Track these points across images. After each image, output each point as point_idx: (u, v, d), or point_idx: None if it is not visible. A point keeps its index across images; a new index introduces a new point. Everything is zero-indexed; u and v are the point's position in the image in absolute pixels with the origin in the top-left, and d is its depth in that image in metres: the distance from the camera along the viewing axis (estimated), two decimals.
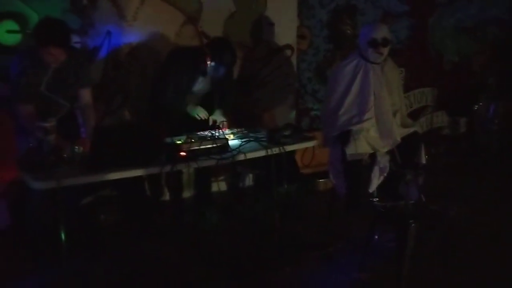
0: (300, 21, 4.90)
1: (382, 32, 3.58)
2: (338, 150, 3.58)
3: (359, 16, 5.20)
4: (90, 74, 3.51)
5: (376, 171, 3.56)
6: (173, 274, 3.16)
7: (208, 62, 3.65)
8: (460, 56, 6.12)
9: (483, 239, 3.63)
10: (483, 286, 3.08)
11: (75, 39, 3.70)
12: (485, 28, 6.17)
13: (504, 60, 6.13)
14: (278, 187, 3.76)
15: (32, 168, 2.83)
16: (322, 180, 4.65)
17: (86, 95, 3.42)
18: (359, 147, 3.47)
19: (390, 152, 3.55)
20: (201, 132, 3.36)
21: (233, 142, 3.40)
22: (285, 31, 4.79)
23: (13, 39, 3.60)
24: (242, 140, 3.44)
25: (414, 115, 5.70)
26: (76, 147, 2.95)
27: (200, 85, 3.81)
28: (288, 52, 4.85)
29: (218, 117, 3.84)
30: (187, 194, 4.30)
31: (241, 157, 3.22)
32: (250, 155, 3.26)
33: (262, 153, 3.32)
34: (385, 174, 3.56)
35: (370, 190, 3.56)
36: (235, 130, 3.67)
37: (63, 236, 2.81)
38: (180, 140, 3.11)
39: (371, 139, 3.53)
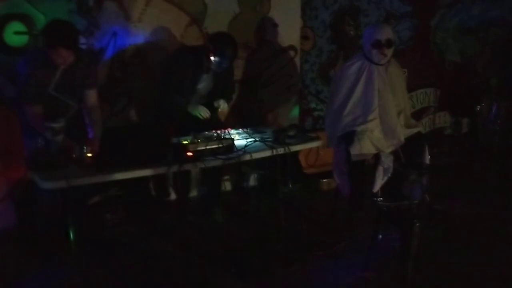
0: (304, 22, 4.93)
1: (386, 33, 3.61)
2: (342, 150, 3.61)
3: (362, 17, 5.23)
4: (96, 75, 3.54)
5: (380, 171, 3.59)
6: (179, 273, 3.19)
7: (212, 58, 3.68)
8: (463, 56, 6.15)
9: (486, 238, 3.66)
10: (486, 285, 3.11)
11: (81, 40, 3.73)
12: (488, 29, 6.19)
13: (506, 60, 6.14)
14: (282, 187, 3.79)
15: (41, 167, 2.87)
16: (326, 180, 4.68)
17: (92, 96, 3.44)
18: (364, 147, 3.50)
19: (394, 153, 3.57)
20: (207, 132, 3.38)
21: (238, 142, 3.43)
22: (289, 32, 4.81)
23: (20, 40, 3.63)
24: (248, 141, 3.47)
25: (417, 115, 5.73)
26: (85, 147, 2.98)
27: (204, 82, 3.84)
28: (292, 53, 4.88)
29: (222, 105, 3.88)
30: (192, 193, 4.33)
31: (247, 157, 3.25)
32: (255, 155, 3.29)
33: (267, 153, 3.35)
34: (389, 175, 3.59)
35: (374, 190, 3.59)
36: (240, 130, 3.70)
37: (71, 235, 2.85)
38: (186, 140, 3.14)
39: (376, 139, 3.55)
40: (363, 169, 3.57)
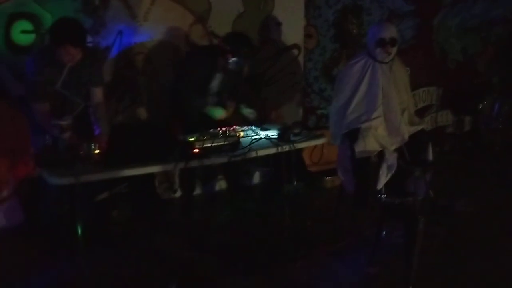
0: (307, 21, 4.96)
1: (390, 31, 3.63)
2: (347, 147, 3.63)
3: (365, 16, 5.26)
4: (102, 73, 3.57)
5: (384, 169, 3.60)
6: (184, 269, 3.20)
7: (229, 58, 3.71)
8: (465, 55, 6.18)
9: (489, 234, 3.68)
10: (490, 280, 3.13)
11: (87, 39, 3.77)
12: (490, 28, 6.22)
13: (508, 59, 6.18)
14: (287, 184, 3.82)
15: (50, 164, 2.90)
16: (329, 177, 4.71)
17: (98, 93, 3.47)
18: (368, 144, 3.52)
19: (398, 150, 3.60)
20: (213, 130, 3.41)
21: (244, 139, 3.46)
22: (293, 30, 4.84)
23: (27, 39, 3.66)
24: (253, 138, 3.50)
25: (419, 114, 5.75)
26: (92, 144, 3.01)
27: (217, 82, 3.87)
28: (295, 51, 4.90)
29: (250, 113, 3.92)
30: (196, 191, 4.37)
31: (253, 154, 3.28)
32: (261, 153, 3.32)
33: (272, 150, 3.38)
34: (393, 172, 3.61)
35: (378, 187, 3.61)
36: (245, 128, 3.72)
37: (79, 231, 2.88)
38: (193, 138, 3.17)
39: (380, 137, 3.58)
40: (368, 166, 3.59)
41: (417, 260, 2.96)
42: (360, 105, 3.66)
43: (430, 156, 3.72)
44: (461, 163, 5.55)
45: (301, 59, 4.98)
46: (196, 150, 3.05)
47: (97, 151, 3.03)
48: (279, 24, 4.75)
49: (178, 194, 4.28)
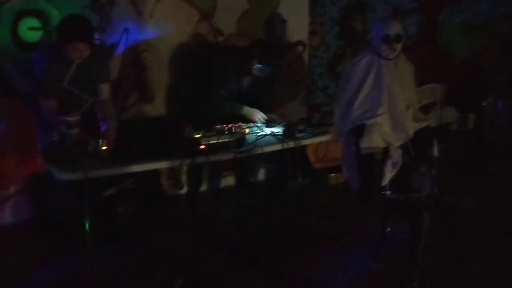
0: (312, 18, 4.97)
1: (395, 28, 3.64)
2: (352, 144, 3.64)
3: (369, 13, 5.27)
4: (109, 70, 3.60)
5: (389, 165, 3.61)
6: (189, 265, 3.23)
7: (254, 64, 3.75)
8: (469, 52, 6.18)
9: (493, 231, 3.70)
10: (494, 277, 3.15)
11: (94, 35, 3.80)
12: (494, 25, 6.21)
13: None
14: (292, 180, 3.85)
15: (58, 160, 2.93)
16: (334, 174, 4.73)
17: (105, 89, 3.50)
18: (373, 140, 3.53)
19: (403, 146, 3.61)
20: (219, 126, 3.43)
21: (249, 136, 3.49)
22: (297, 28, 4.86)
23: (34, 36, 3.69)
24: (258, 134, 3.52)
25: (423, 110, 5.75)
26: (100, 140, 3.04)
27: (241, 84, 3.92)
28: (300, 48, 4.92)
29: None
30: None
31: (258, 150, 3.30)
32: (266, 149, 3.35)
33: (278, 147, 3.41)
34: (398, 168, 3.63)
35: (383, 184, 3.62)
36: (251, 125, 3.75)
37: (87, 226, 2.91)
38: (199, 134, 3.19)
39: (385, 133, 3.59)
40: (373, 162, 3.60)
41: (421, 256, 2.98)
42: (365, 101, 3.67)
43: (436, 153, 3.73)
44: (464, 160, 5.55)
45: (305, 56, 4.99)
46: (202, 147, 3.08)
47: (104, 147, 3.06)
48: (284, 21, 4.77)
49: (184, 190, 4.31)
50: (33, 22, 3.68)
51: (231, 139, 3.23)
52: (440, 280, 3.07)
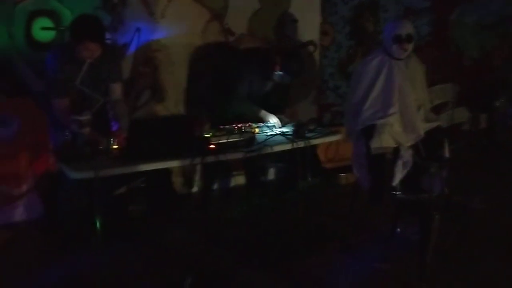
0: (323, 18, 4.97)
1: (406, 28, 3.63)
2: (362, 144, 3.64)
3: (381, 13, 5.25)
4: (121, 69, 3.62)
5: (399, 165, 3.60)
6: (199, 264, 3.25)
7: (276, 70, 3.76)
8: (481, 52, 6.13)
9: (502, 233, 3.67)
10: (504, 278, 3.12)
11: (106, 35, 3.82)
12: (507, 24, 6.16)
13: None
14: (301, 180, 3.85)
15: (70, 159, 2.96)
16: (344, 174, 4.72)
17: (117, 89, 3.52)
18: (384, 141, 3.53)
19: (414, 146, 3.60)
20: (229, 126, 3.44)
21: (259, 135, 3.49)
22: (308, 27, 4.86)
23: (47, 36, 3.73)
24: (268, 134, 3.53)
25: (435, 111, 5.72)
26: (111, 139, 3.06)
27: (264, 89, 3.94)
28: (311, 48, 4.92)
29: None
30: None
31: (267, 150, 3.31)
32: (276, 148, 3.35)
33: (287, 146, 3.41)
34: (408, 168, 3.62)
35: (393, 184, 3.61)
36: (261, 124, 3.75)
37: (98, 225, 2.93)
38: (209, 133, 3.20)
39: (395, 133, 3.58)
40: (383, 162, 3.59)
41: (431, 256, 2.97)
42: (376, 101, 3.66)
43: (446, 153, 3.70)
44: (476, 160, 5.51)
45: (316, 56, 4.98)
46: (212, 146, 3.09)
47: (115, 146, 3.08)
48: (295, 21, 4.77)
49: (195, 189, 4.33)
50: (46, 22, 3.72)
51: (241, 139, 3.24)
52: (450, 281, 3.06)
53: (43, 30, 3.72)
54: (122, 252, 3.34)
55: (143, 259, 3.30)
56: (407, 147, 3.59)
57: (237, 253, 3.39)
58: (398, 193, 3.53)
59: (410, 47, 3.63)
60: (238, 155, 3.23)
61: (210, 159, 3.15)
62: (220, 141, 3.15)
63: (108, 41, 3.85)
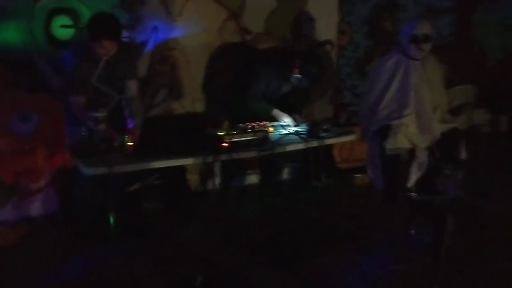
0: (341, 17, 4.94)
1: (424, 28, 3.60)
2: (377, 144, 3.62)
3: (400, 12, 5.19)
4: (136, 67, 3.66)
5: (414, 166, 3.58)
6: (211, 261, 3.26)
7: (294, 73, 3.76)
8: (505, 52, 6.01)
9: None
10: None
11: (123, 34, 3.87)
12: None
13: None
14: (315, 180, 3.84)
15: (84, 155, 3.01)
16: (359, 175, 4.69)
17: (132, 86, 3.56)
18: (398, 141, 3.51)
19: (429, 147, 3.57)
20: (243, 124, 3.45)
21: (273, 134, 3.50)
22: (326, 26, 4.83)
23: (66, 33, 3.78)
24: (282, 133, 3.53)
25: (454, 112, 5.64)
26: (125, 136, 3.10)
27: (281, 90, 3.96)
28: (328, 47, 4.89)
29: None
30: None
31: (281, 149, 3.31)
32: (289, 148, 3.35)
33: (301, 146, 3.40)
34: (424, 170, 3.58)
35: (408, 185, 3.59)
36: (275, 123, 3.75)
37: (111, 220, 2.97)
38: (222, 132, 3.22)
39: (411, 134, 3.55)
40: (398, 163, 3.57)
41: (444, 259, 2.94)
42: (391, 101, 3.64)
43: (463, 155, 3.66)
44: (495, 162, 5.42)
45: (333, 55, 4.96)
46: (225, 144, 3.10)
47: (130, 143, 3.12)
48: (312, 20, 4.75)
49: (210, 186, 4.36)
50: (65, 20, 3.77)
51: (254, 138, 3.25)
52: (463, 284, 3.02)
53: (62, 28, 3.77)
54: (135, 248, 3.37)
55: (156, 256, 3.32)
56: (423, 148, 3.57)
57: (249, 251, 3.40)
58: (412, 194, 3.51)
59: (427, 47, 3.60)
60: (251, 154, 3.23)
61: (223, 157, 3.17)
62: (233, 140, 3.16)
63: (126, 39, 3.90)
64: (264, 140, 3.29)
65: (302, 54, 3.90)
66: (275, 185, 4.31)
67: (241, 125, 3.45)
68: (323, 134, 3.52)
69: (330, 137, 3.57)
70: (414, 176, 3.58)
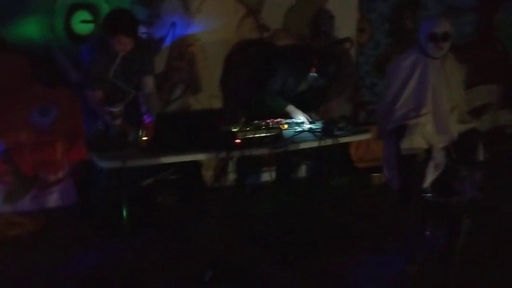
0: (361, 15, 4.89)
1: (443, 26, 3.54)
2: (393, 144, 3.58)
3: (421, 11, 5.12)
4: (153, 63, 3.68)
5: (431, 167, 3.53)
6: (222, 256, 3.29)
7: (311, 72, 3.74)
8: None
9: None
10: None
11: (142, 29, 3.90)
12: None
13: None
14: (330, 178, 3.82)
15: (100, 149, 3.05)
16: (377, 174, 4.64)
17: (149, 82, 3.59)
18: (415, 141, 3.47)
19: (446, 148, 3.51)
20: (257, 121, 3.45)
21: (287, 132, 3.49)
22: (345, 24, 4.79)
23: (86, 28, 3.84)
24: (296, 130, 3.52)
25: (477, 112, 5.54)
26: (140, 131, 3.13)
27: (298, 88, 3.94)
28: (347, 45, 4.85)
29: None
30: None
31: (294, 147, 3.29)
32: (302, 146, 3.34)
33: (314, 143, 3.38)
34: (440, 170, 3.53)
35: (424, 186, 3.54)
36: (290, 120, 3.74)
37: (124, 214, 3.01)
38: (236, 128, 3.22)
39: (427, 134, 3.51)
40: (413, 163, 3.53)
41: (457, 260, 2.90)
42: (408, 100, 3.60)
43: (481, 156, 3.59)
44: None
45: (353, 53, 4.92)
46: (238, 141, 3.10)
47: (145, 138, 3.15)
48: (331, 17, 4.71)
49: (225, 183, 4.37)
50: (85, 15, 3.83)
51: (268, 134, 3.24)
52: (478, 285, 2.97)
53: (82, 23, 3.82)
54: (148, 242, 3.41)
55: (168, 250, 3.36)
56: (440, 149, 3.51)
57: (261, 249, 3.40)
58: (428, 195, 3.46)
59: (446, 45, 3.54)
60: (264, 151, 3.23)
61: (235, 153, 3.17)
62: (246, 136, 3.16)
63: (144, 35, 3.94)
64: (277, 137, 3.28)
65: (320, 53, 3.87)
66: (290, 183, 4.30)
67: (256, 122, 3.44)
68: (337, 132, 3.48)
69: (345, 136, 3.53)
70: (430, 177, 3.53)
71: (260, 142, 3.21)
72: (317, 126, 3.63)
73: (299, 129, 3.58)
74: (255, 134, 3.19)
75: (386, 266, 3.22)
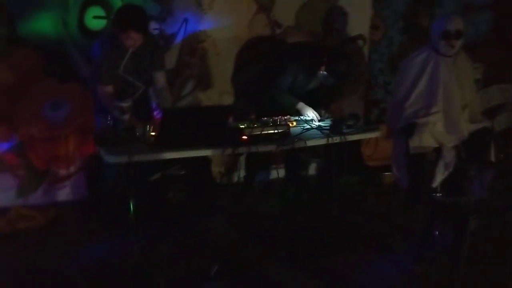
0: (375, 12, 4.85)
1: (456, 24, 3.49)
2: (402, 142, 3.54)
3: (437, 8, 5.05)
4: (163, 59, 3.70)
5: (440, 166, 3.49)
6: (231, 252, 3.30)
7: (321, 70, 3.73)
8: None
9: None
10: None
11: (154, 25, 3.94)
12: None
13: None
14: (338, 176, 3.80)
15: (108, 143, 3.08)
16: (388, 173, 4.60)
17: (160, 78, 3.61)
18: (424, 140, 3.42)
19: (456, 147, 3.47)
20: (265, 118, 3.45)
21: (295, 129, 3.48)
22: (358, 21, 4.76)
23: (98, 24, 3.88)
24: (304, 128, 3.51)
25: (492, 112, 5.46)
26: (148, 126, 3.15)
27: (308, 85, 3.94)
28: (360, 42, 4.82)
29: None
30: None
31: (301, 144, 3.28)
32: (310, 143, 3.32)
33: (322, 141, 3.37)
34: (450, 170, 3.49)
35: (434, 185, 3.50)
36: (299, 118, 3.73)
37: (131, 208, 3.03)
38: (243, 124, 3.22)
39: (437, 133, 3.46)
40: (422, 162, 3.49)
41: (464, 261, 2.86)
42: (419, 99, 3.55)
43: (492, 157, 3.54)
44: None
45: (365, 50, 4.88)
46: (245, 137, 3.10)
47: (153, 133, 3.17)
48: (344, 14, 4.69)
49: (234, 179, 4.38)
50: (98, 11, 3.87)
51: (275, 131, 3.23)
52: (486, 285, 2.94)
53: (95, 19, 3.86)
54: (155, 237, 3.44)
55: (176, 245, 3.38)
56: (450, 148, 3.47)
57: (268, 245, 3.41)
58: (437, 194, 3.43)
59: (458, 43, 3.49)
60: (271, 148, 3.22)
61: (242, 150, 3.17)
62: (253, 133, 3.15)
63: (156, 31, 3.96)
64: (285, 134, 3.27)
65: (330, 51, 3.85)
66: (300, 181, 4.30)
67: (264, 118, 3.44)
68: (346, 130, 3.46)
69: (353, 133, 3.50)
70: (440, 176, 3.49)
71: (267, 139, 3.19)
72: (326, 123, 3.61)
73: (307, 126, 3.56)
74: (262, 131, 3.17)
75: (392, 265, 3.20)
